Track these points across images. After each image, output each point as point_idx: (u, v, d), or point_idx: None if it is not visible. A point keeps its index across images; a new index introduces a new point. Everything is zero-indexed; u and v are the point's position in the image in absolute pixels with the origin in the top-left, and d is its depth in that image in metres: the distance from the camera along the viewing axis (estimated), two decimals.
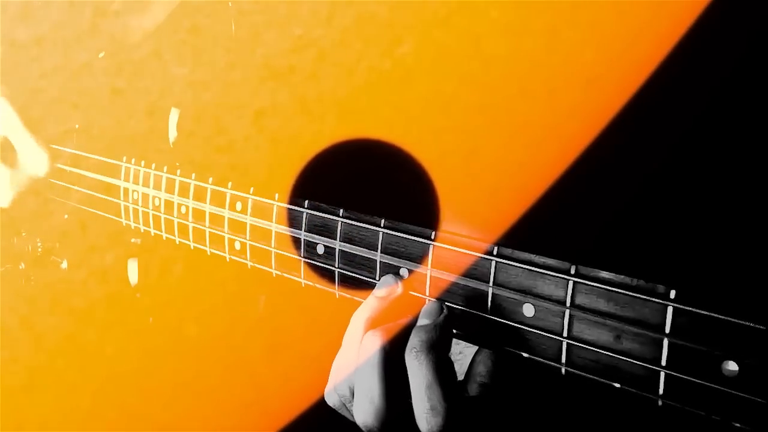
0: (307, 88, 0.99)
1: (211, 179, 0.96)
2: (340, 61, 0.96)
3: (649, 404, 0.54)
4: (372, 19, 0.92)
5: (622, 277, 0.55)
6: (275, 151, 0.98)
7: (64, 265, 1.28)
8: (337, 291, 0.79)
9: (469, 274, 0.66)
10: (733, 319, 0.49)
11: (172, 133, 1.09)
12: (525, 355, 0.62)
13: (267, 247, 0.87)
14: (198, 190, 0.98)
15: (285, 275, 0.86)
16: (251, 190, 0.90)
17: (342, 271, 0.78)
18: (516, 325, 0.63)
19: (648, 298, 0.53)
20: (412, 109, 0.88)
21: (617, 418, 0.66)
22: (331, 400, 0.73)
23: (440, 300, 0.68)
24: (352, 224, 0.77)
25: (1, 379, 1.21)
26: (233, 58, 1.07)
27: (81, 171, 1.21)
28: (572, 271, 0.58)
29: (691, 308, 0.51)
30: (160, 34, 1.15)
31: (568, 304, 0.58)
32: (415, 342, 0.64)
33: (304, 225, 0.82)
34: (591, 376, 0.58)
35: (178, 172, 1.02)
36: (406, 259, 0.71)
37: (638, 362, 0.54)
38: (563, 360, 0.59)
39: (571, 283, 0.58)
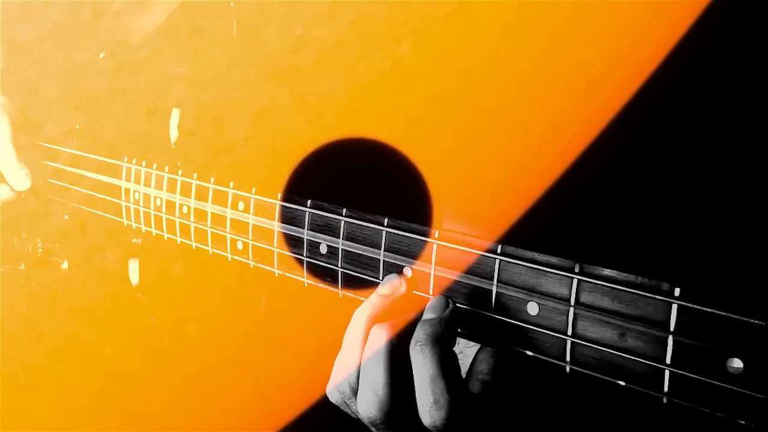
0: (307, 88, 0.99)
1: (213, 179, 0.96)
2: (340, 61, 0.96)
3: (654, 402, 0.54)
4: (372, 19, 0.92)
5: (627, 274, 0.56)
6: (276, 151, 0.98)
7: (65, 265, 1.28)
8: (340, 291, 0.80)
9: (472, 272, 0.66)
10: (737, 317, 0.49)
11: (173, 133, 1.09)
12: (529, 353, 0.62)
13: (270, 247, 0.87)
14: (200, 189, 0.98)
15: (287, 275, 0.86)
16: (253, 189, 0.90)
17: (345, 270, 0.78)
18: (520, 323, 0.63)
19: (652, 295, 0.54)
20: (413, 108, 0.88)
21: (622, 416, 0.66)
22: (333, 398, 0.73)
23: (446, 294, 0.69)
24: (355, 223, 0.77)
25: (1, 379, 1.21)
26: (233, 58, 1.07)
27: (81, 171, 1.20)
28: (576, 269, 0.59)
29: (695, 306, 0.51)
30: (160, 34, 1.15)
31: (572, 302, 0.59)
32: (420, 335, 0.65)
33: (306, 224, 0.82)
34: (595, 374, 0.58)
35: (180, 172, 1.02)
36: (409, 258, 0.72)
37: (643, 360, 0.54)
38: (567, 358, 0.59)
39: (575, 281, 0.58)
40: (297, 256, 0.84)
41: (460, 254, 0.67)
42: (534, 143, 0.78)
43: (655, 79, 0.70)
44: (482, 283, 0.65)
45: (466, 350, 0.78)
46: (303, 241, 0.83)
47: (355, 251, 0.77)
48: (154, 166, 1.07)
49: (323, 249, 0.80)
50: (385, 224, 0.74)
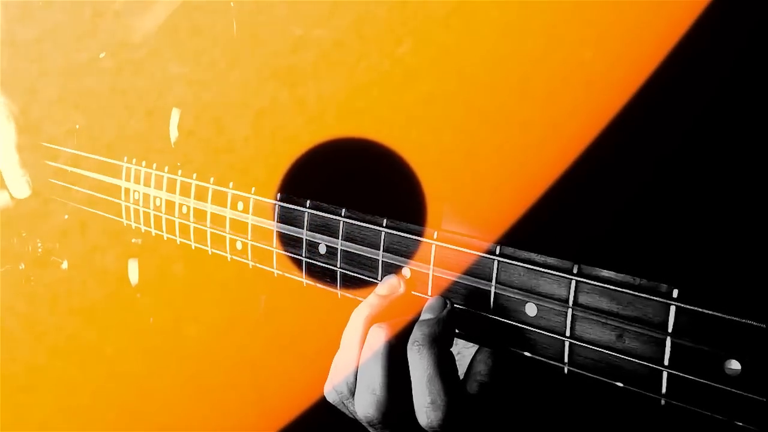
0: (307, 88, 0.99)
1: (212, 179, 0.96)
2: (340, 61, 0.96)
3: (652, 403, 0.54)
4: (372, 19, 0.92)
5: (625, 276, 0.56)
6: (276, 151, 0.98)
7: (65, 265, 1.28)
8: (339, 291, 0.80)
9: (471, 273, 0.66)
10: (735, 318, 0.49)
11: (173, 133, 1.09)
12: (527, 354, 0.62)
13: (269, 247, 0.87)
14: (199, 189, 0.98)
15: (287, 275, 0.86)
16: (252, 189, 0.90)
17: (344, 270, 0.78)
18: (518, 324, 0.63)
19: (651, 297, 0.54)
20: (413, 108, 0.88)
21: (620, 417, 0.66)
22: (331, 398, 0.74)
23: (444, 295, 0.68)
24: (354, 224, 0.77)
25: (1, 379, 1.21)
26: (233, 58, 1.07)
27: (81, 171, 1.20)
28: (575, 270, 0.58)
29: (693, 307, 0.51)
30: (160, 34, 1.15)
31: (570, 303, 0.59)
32: (417, 335, 0.65)
33: (305, 224, 0.82)
34: (593, 376, 0.58)
35: (180, 172, 1.02)
36: (408, 259, 0.72)
37: (641, 361, 0.54)
38: (566, 359, 0.59)
39: (573, 282, 0.58)
40: (296, 256, 0.84)
41: (459, 255, 0.67)
42: (534, 143, 0.78)
43: (655, 79, 0.70)
44: (481, 284, 0.65)
45: (464, 351, 0.78)
46: (302, 242, 0.83)
47: (354, 251, 0.77)
48: (154, 166, 1.07)
49: (322, 249, 0.80)
50: (384, 225, 0.74)
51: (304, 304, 0.95)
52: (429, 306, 0.68)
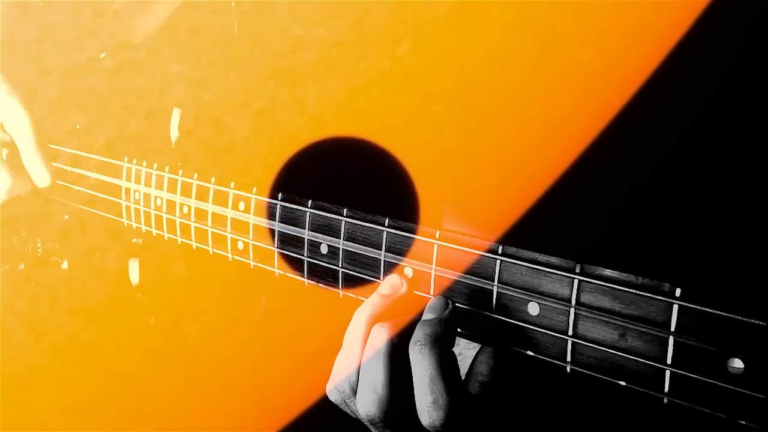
0: (307, 88, 0.99)
1: (213, 179, 0.96)
2: (340, 61, 0.96)
3: (655, 402, 0.54)
4: (372, 19, 0.92)
5: (628, 275, 0.56)
6: (276, 151, 0.98)
7: (65, 265, 1.27)
8: (340, 291, 0.80)
9: (473, 272, 0.66)
10: (738, 317, 0.49)
11: (174, 133, 1.09)
12: (530, 353, 0.62)
13: (270, 247, 0.87)
14: (200, 189, 0.98)
15: (288, 275, 0.86)
16: (254, 189, 0.90)
17: (346, 270, 0.78)
18: (521, 323, 0.63)
19: (653, 296, 0.54)
20: (413, 108, 0.88)
21: (622, 416, 0.66)
22: (333, 397, 0.74)
23: (445, 295, 0.69)
24: (356, 223, 0.77)
25: (1, 379, 1.21)
26: (233, 58, 1.07)
27: (82, 171, 1.20)
28: (577, 270, 0.59)
29: (696, 306, 0.51)
30: (160, 34, 1.15)
31: (573, 302, 0.59)
32: (419, 335, 0.65)
33: (307, 224, 0.82)
34: (596, 375, 0.58)
35: (180, 172, 1.02)
36: (410, 258, 0.72)
37: (644, 360, 0.55)
38: (568, 358, 0.59)
39: (576, 282, 0.58)
40: (298, 256, 0.84)
41: (461, 254, 0.67)
42: (534, 143, 0.78)
43: (655, 79, 0.70)
44: (483, 284, 0.65)
45: (465, 352, 0.78)
46: (304, 241, 0.83)
47: (356, 251, 0.77)
48: (155, 166, 1.07)
49: (324, 249, 0.81)
50: (386, 224, 0.74)
51: (304, 304, 0.95)
52: (431, 306, 0.68)
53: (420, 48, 0.89)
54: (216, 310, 1.12)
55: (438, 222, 0.80)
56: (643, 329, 0.54)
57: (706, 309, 0.51)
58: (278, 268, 0.87)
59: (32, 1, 1.25)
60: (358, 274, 0.77)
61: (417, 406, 0.65)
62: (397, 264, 0.73)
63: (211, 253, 0.97)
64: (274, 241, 0.86)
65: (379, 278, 0.75)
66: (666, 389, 0.53)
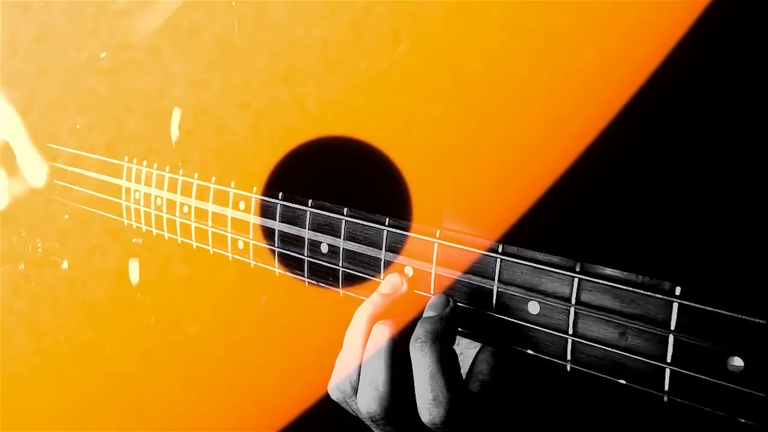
0: (307, 88, 0.99)
1: (214, 178, 0.96)
2: (339, 61, 0.96)
3: (655, 401, 0.54)
4: (372, 19, 0.92)
5: (628, 273, 0.56)
6: (277, 151, 0.98)
7: (65, 265, 1.27)
8: (341, 290, 0.80)
9: (474, 271, 0.66)
10: (738, 315, 0.49)
11: (174, 133, 1.09)
12: (530, 352, 0.63)
13: (271, 246, 0.87)
14: (201, 189, 0.98)
15: (288, 274, 0.86)
16: (254, 189, 0.90)
17: (346, 270, 0.79)
18: (521, 322, 0.63)
19: (653, 294, 0.54)
20: (413, 108, 0.88)
21: (622, 414, 0.66)
22: (334, 396, 0.74)
23: (446, 293, 0.69)
24: (356, 223, 0.77)
25: (1, 379, 1.21)
26: (233, 58, 1.07)
27: (82, 171, 1.20)
28: (577, 269, 0.59)
29: (696, 304, 0.51)
30: (160, 34, 1.15)
31: (573, 301, 0.59)
32: (420, 332, 0.65)
33: (308, 223, 0.82)
34: (596, 373, 0.58)
35: (181, 171, 1.02)
36: (410, 258, 0.72)
37: (644, 359, 0.55)
38: (568, 357, 0.60)
39: (576, 280, 0.59)
40: (298, 255, 0.84)
41: (462, 253, 0.67)
42: (534, 143, 0.78)
43: (655, 79, 0.70)
44: (483, 283, 0.66)
45: (466, 351, 0.78)
46: (304, 241, 0.83)
47: (356, 251, 0.77)
48: (155, 165, 1.07)
49: (324, 248, 0.81)
50: (387, 224, 0.74)
51: (304, 304, 0.95)
52: (432, 303, 0.68)
53: (419, 48, 0.89)
54: (216, 309, 1.12)
55: (438, 221, 0.80)
56: (643, 328, 0.55)
57: (706, 307, 0.51)
58: (279, 267, 0.87)
59: (32, 1, 1.25)
60: (359, 274, 0.77)
61: (417, 403, 0.65)
62: (397, 263, 0.73)
63: (211, 252, 0.97)
64: (274, 240, 0.86)
65: (379, 277, 0.75)
66: (666, 388, 0.53)
